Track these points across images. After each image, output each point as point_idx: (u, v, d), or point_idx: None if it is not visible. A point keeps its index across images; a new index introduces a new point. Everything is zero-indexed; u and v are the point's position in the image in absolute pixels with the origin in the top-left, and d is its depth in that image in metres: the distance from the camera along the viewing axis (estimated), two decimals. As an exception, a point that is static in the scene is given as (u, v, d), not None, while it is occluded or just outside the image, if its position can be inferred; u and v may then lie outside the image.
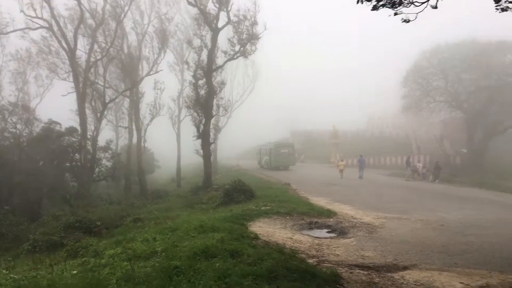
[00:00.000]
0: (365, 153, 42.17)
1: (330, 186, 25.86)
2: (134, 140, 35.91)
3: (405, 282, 7.22)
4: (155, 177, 46.88)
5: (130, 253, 8.46)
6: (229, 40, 28.74)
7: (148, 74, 36.33)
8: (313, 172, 38.88)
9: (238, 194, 19.04)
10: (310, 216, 14.26)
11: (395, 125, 58.26)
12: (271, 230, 11.65)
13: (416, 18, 7.85)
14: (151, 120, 36.48)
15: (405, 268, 8.17)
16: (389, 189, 25.27)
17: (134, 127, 35.79)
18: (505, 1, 6.55)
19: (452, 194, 22.95)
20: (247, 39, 28.10)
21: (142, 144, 35.27)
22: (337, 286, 6.84)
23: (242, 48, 28.46)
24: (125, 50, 36.34)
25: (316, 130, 60.44)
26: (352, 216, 14.40)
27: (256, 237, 10.15)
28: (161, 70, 36.53)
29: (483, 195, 22.90)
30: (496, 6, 6.55)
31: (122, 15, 33.63)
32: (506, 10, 6.58)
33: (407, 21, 7.86)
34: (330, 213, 14.82)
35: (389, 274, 7.72)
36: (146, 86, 37.55)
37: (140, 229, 14.51)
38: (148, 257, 8.01)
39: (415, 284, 7.13)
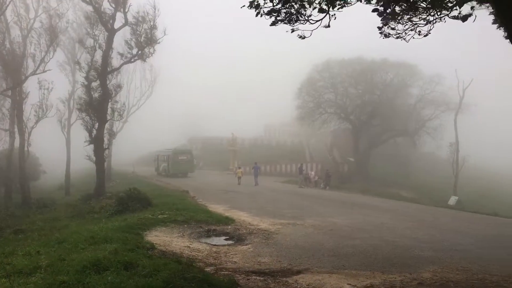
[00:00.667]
0: (262, 161, 43.43)
1: (228, 193, 26.10)
2: (17, 144, 32.62)
3: (298, 286, 7.52)
4: (41, 184, 43.03)
5: (8, 268, 7.61)
6: (126, 42, 27.62)
7: (33, 73, 33.24)
8: (212, 179, 38.92)
9: (134, 203, 18.28)
10: (208, 223, 14.20)
11: (290, 134, 60.92)
12: (168, 239, 11.36)
13: (311, 35, 8.30)
14: (36, 123, 33.42)
15: (298, 272, 8.50)
16: (284, 195, 26.29)
17: (16, 129, 32.51)
18: (387, 28, 7.16)
19: (341, 200, 24.62)
20: (145, 43, 27.24)
21: (26, 148, 32.12)
22: (234, 294, 6.88)
23: (140, 51, 27.49)
24: (7, 46, 32.91)
25: (215, 137, 60.69)
26: (249, 223, 14.65)
27: (152, 247, 9.82)
28: (50, 70, 33.69)
29: (368, 201, 24.92)
30: (380, 32, 7.14)
31: (4, 7, 30.44)
32: (388, 37, 7.18)
33: (302, 37, 8.29)
34: (228, 221, 14.91)
35: (284, 279, 7.98)
36: (32, 86, 34.40)
37: (22, 242, 13.18)
38: (30, 273, 7.27)
39: (307, 287, 7.45)
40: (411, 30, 7.04)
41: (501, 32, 6.27)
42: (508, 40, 4.48)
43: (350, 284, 7.68)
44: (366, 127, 47.40)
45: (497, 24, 6.09)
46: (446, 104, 44.56)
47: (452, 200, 34.00)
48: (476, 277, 8.28)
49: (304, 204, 21.91)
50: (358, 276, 8.25)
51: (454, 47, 65.74)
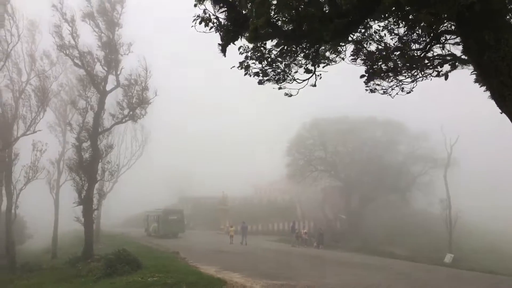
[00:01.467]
0: (253, 220, 42.91)
1: (219, 254, 25.49)
2: (3, 206, 31.93)
3: None
4: (28, 247, 41.70)
5: None
6: (118, 103, 28.08)
7: (24, 134, 33.27)
8: (202, 239, 38.11)
9: (122, 265, 17.70)
10: (199, 286, 13.74)
11: (281, 192, 60.70)
12: (158, 304, 10.93)
13: (297, 93, 8.57)
14: (25, 184, 32.99)
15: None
16: (276, 255, 25.73)
17: (4, 192, 31.96)
18: (373, 84, 7.43)
19: (334, 260, 24.13)
20: (137, 104, 27.73)
21: (13, 211, 31.43)
22: None
23: (131, 112, 27.92)
24: (-1, 109, 33.16)
25: (205, 196, 60.19)
26: (242, 285, 14.21)
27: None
28: (40, 130, 33.82)
29: (361, 260, 24.45)
30: (366, 87, 7.41)
31: (-4, 72, 31.02)
32: (374, 92, 7.44)
33: (289, 95, 8.55)
34: (220, 282, 14.46)
35: None
36: (23, 147, 34.33)
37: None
38: None
39: None
40: (396, 86, 7.29)
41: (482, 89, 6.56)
42: (492, 98, 4.68)
43: None
44: (357, 184, 47.56)
45: (478, 83, 6.36)
46: (434, 160, 45.20)
47: (448, 257, 33.50)
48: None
49: (298, 264, 21.42)
50: None
51: (439, 104, 67.76)
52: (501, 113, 4.53)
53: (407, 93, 7.35)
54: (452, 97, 63.90)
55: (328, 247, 34.17)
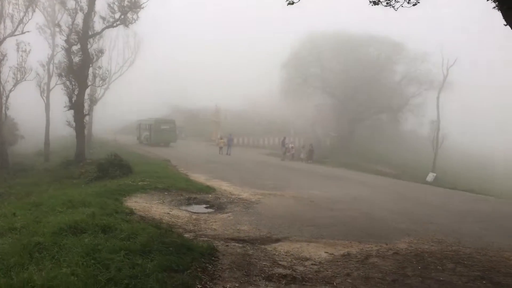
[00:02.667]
0: (246, 133, 43.39)
1: (210, 163, 26.06)
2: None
3: (276, 253, 7.57)
4: (19, 149, 42.20)
5: (-18, 229, 7.46)
6: (109, 5, 26.74)
7: (12, 34, 32.07)
8: (194, 149, 38.79)
9: (114, 169, 18.08)
10: (189, 192, 14.18)
11: (274, 108, 60.69)
12: (147, 205, 11.31)
13: (299, 0, 8.10)
14: (14, 86, 32.52)
15: (277, 240, 8.57)
16: (266, 167, 26.41)
17: (-7, 92, 31.55)
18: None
19: (323, 174, 24.85)
20: (128, 7, 26.45)
21: (3, 111, 31.28)
22: (213, 258, 6.90)
23: (123, 16, 26.72)
24: (-17, 6, 31.53)
25: (199, 108, 60.10)
26: (230, 193, 14.68)
27: (131, 212, 9.76)
28: (28, 31, 32.57)
29: (348, 175, 25.18)
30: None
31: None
32: (377, 4, 7.03)
33: (291, 3, 8.08)
34: (209, 189, 14.91)
35: (263, 246, 8.03)
36: (10, 48, 33.25)
37: (-1, 205, 12.97)
38: (4, 234, 7.15)
39: (285, 255, 7.52)
40: (401, -2, 6.90)
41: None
42: (500, 11, 4.41)
43: (327, 252, 7.79)
44: (351, 102, 47.45)
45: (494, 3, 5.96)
46: (430, 82, 44.86)
47: (430, 176, 34.67)
48: (450, 248, 8.46)
49: (286, 176, 22.04)
50: (336, 245, 8.36)
51: (440, 26, 65.63)
52: (505, 25, 4.30)
53: (413, 5, 6.92)
54: (453, 21, 61.87)
55: (318, 162, 35.02)
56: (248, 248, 7.83)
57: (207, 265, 6.53)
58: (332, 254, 7.71)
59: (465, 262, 7.33)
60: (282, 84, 49.39)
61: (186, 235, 8.31)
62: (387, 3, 7.13)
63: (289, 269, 6.70)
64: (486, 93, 57.46)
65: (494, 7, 4.57)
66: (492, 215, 13.83)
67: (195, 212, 11.33)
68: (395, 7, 7.00)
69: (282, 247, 7.99)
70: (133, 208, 10.36)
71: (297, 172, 24.52)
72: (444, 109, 41.65)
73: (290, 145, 38.43)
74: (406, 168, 39.39)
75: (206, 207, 12.35)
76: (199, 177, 18.57)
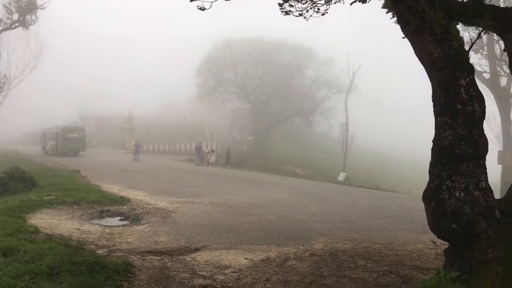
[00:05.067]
0: (162, 139, 42.35)
1: (124, 173, 25.00)
2: None
3: (196, 263, 7.43)
4: None
5: None
6: (5, 6, 24.66)
7: None
8: (106, 158, 36.95)
9: (16, 183, 16.52)
10: (102, 204, 13.44)
11: (190, 113, 60.12)
12: (55, 222, 10.50)
13: (211, 7, 8.06)
14: None
15: (197, 249, 8.42)
16: (182, 174, 25.97)
17: None
18: (288, 5, 7.18)
19: (240, 178, 25.01)
20: (26, 8, 24.57)
21: None
22: (128, 275, 6.58)
23: (21, 18, 24.80)
24: None
25: (111, 114, 57.50)
26: (146, 202, 14.19)
27: (36, 230, 9.00)
28: None
29: (266, 179, 25.65)
30: (280, 9, 7.14)
31: None
32: (288, 14, 7.21)
33: (202, 9, 8.01)
34: (123, 200, 14.27)
35: (182, 257, 7.84)
36: None
37: None
38: None
39: (205, 264, 7.41)
40: (311, 8, 7.14)
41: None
42: (399, 24, 4.73)
43: (247, 258, 7.80)
44: (265, 107, 48.57)
45: (386, 9, 6.40)
46: (338, 86, 47.41)
47: (341, 176, 36.58)
48: (361, 245, 8.93)
49: (203, 182, 21.85)
50: (255, 250, 8.42)
51: (348, 33, 69.82)
52: (403, 38, 4.65)
53: (322, 14, 7.21)
54: (359, 28, 66.13)
55: (235, 166, 35.25)
56: (166, 260, 7.59)
57: (123, 282, 6.20)
58: (252, 260, 7.75)
59: (375, 258, 7.78)
60: (198, 89, 49.08)
61: (99, 252, 7.83)
62: (299, 14, 7.34)
63: (209, 279, 6.60)
64: (388, 96, 62.22)
65: (395, 22, 4.92)
66: (397, 211, 14.86)
67: (108, 226, 10.76)
68: (306, 18, 7.23)
69: (201, 257, 7.86)
70: (39, 226, 9.57)
71: (215, 178, 24.44)
72: (351, 111, 44.31)
73: (206, 150, 38.26)
74: (319, 169, 41.22)
75: (120, 220, 11.80)
76: (112, 188, 17.71)
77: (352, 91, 44.27)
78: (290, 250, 8.41)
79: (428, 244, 8.60)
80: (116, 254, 7.88)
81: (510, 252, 4.36)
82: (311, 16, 6.89)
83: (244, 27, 54.03)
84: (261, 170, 32.60)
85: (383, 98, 61.33)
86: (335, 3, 7.05)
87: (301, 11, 7.00)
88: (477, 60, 28.82)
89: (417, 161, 47.12)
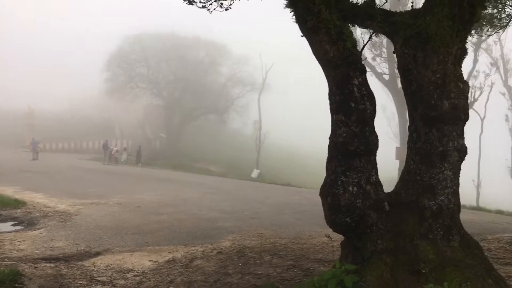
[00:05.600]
0: (67, 137, 39.69)
1: (22, 173, 23.01)
2: None
3: (95, 269, 6.99)
4: None
5: None
6: None
7: None
8: (2, 157, 33.77)
9: None
10: (-9, 209, 12.19)
11: (99, 108, 57.08)
12: None
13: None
14: None
15: (97, 254, 7.94)
16: (88, 174, 24.59)
17: None
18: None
19: (151, 177, 24.31)
20: None
21: None
22: (16, 285, 5.98)
23: None
24: None
25: (8, 109, 52.61)
26: (44, 205, 13.14)
27: None
28: None
29: (178, 177, 25.21)
30: (183, -1, 6.92)
31: None
32: (192, 4, 7.02)
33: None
34: (18, 203, 13.06)
35: (80, 262, 7.33)
36: None
37: None
38: None
39: (105, 269, 6.99)
40: (215, 1, 7.01)
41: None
42: (297, 24, 4.79)
43: (152, 260, 7.52)
44: (179, 103, 47.76)
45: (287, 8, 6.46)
46: (252, 84, 48.10)
47: (255, 173, 37.14)
48: (269, 241, 9.06)
49: (111, 182, 20.87)
50: (161, 251, 8.15)
51: (260, 30, 71.14)
52: (302, 36, 4.73)
53: (226, 9, 7.10)
54: (271, 26, 67.53)
55: (146, 164, 34.20)
56: (62, 267, 7.04)
57: (8, 295, 5.62)
58: (157, 261, 7.47)
59: (281, 253, 7.93)
60: (107, 84, 46.77)
61: (-16, 262, 7.05)
62: (202, 6, 7.18)
63: (108, 285, 6.23)
64: (299, 94, 64.41)
65: (294, 21, 4.98)
66: (305, 206, 15.38)
67: (-2, 232, 9.77)
68: (210, 10, 7.09)
69: (102, 261, 7.41)
70: None
71: (123, 177, 23.49)
72: (265, 109, 45.19)
73: (114, 148, 36.68)
74: (234, 166, 41.47)
75: (13, 225, 10.77)
76: (6, 190, 16.13)
77: (265, 89, 45.13)
78: (197, 250, 8.27)
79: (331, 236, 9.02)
80: (5, 263, 7.15)
81: (398, 243, 4.63)
82: (214, 9, 6.77)
83: (157, 21, 52.60)
84: (174, 168, 32.02)
85: (294, 96, 63.41)
86: (239, -1, 7.01)
87: (204, 3, 6.85)
88: (377, 62, 30.97)
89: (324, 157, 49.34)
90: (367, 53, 32.02)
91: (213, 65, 49.69)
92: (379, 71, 31.33)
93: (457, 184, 4.80)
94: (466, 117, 4.74)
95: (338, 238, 6.00)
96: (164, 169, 31.31)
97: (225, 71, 50.73)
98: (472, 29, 5.00)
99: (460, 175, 4.91)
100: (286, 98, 62.48)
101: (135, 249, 8.40)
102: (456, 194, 4.77)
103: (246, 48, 50.61)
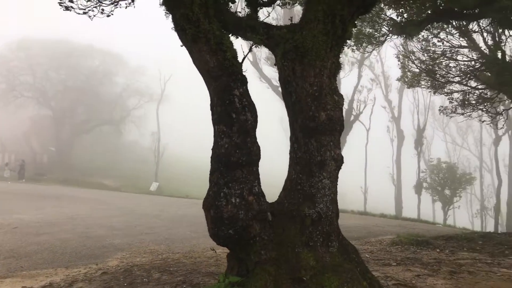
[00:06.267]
0: None
1: None
2: None
3: (-47, 303, 6.08)
4: None
5: None
6: None
7: None
8: None
9: None
10: None
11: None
12: None
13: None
14: None
15: (-42, 285, 6.93)
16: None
17: None
18: (68, 0, 6.53)
19: (35, 194, 22.26)
20: None
21: None
22: None
23: None
24: None
25: None
26: None
27: None
28: None
29: (68, 192, 23.46)
30: (60, 3, 6.46)
31: None
32: (69, 10, 6.57)
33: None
34: None
35: None
36: None
37: None
38: None
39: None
40: (95, 7, 6.64)
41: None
42: (176, 32, 4.66)
43: (25, 287, 6.76)
44: (70, 114, 44.75)
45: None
46: (150, 95, 46.91)
47: (153, 186, 36.05)
48: (160, 257, 8.72)
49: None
50: (38, 276, 7.38)
51: (158, 43, 69.76)
52: (182, 46, 4.63)
53: (107, 16, 6.76)
54: (170, 37, 66.73)
55: (31, 180, 31.30)
56: None
57: None
58: (32, 287, 6.74)
59: (171, 269, 7.64)
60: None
61: None
62: (83, 12, 6.75)
63: (-33, 321, 5.44)
64: (200, 105, 64.25)
65: (173, 29, 4.85)
66: (201, 218, 15.10)
67: None
68: (91, 17, 6.70)
69: (-40, 294, 6.49)
70: None
71: (3, 195, 21.16)
72: (163, 120, 44.24)
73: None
74: (131, 180, 39.81)
75: None
76: None
77: (164, 100, 44.27)
78: (80, 271, 7.63)
79: (225, 249, 8.97)
80: None
81: (281, 252, 4.69)
82: (95, 15, 6.40)
83: (46, 26, 48.97)
84: (63, 183, 29.77)
85: (195, 107, 63.14)
86: (126, 7, 6.71)
87: (83, 8, 6.44)
88: (274, 74, 32.06)
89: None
90: (264, 67, 33.16)
91: (109, 75, 47.58)
92: (275, 83, 32.45)
93: (335, 192, 5.01)
94: (341, 128, 4.98)
95: (223, 251, 5.95)
96: (52, 184, 28.91)
97: (122, 81, 48.87)
98: (344, 45, 5.29)
99: (337, 183, 5.14)
100: (186, 110, 62.04)
101: (6, 275, 7.50)
102: (334, 201, 4.97)
103: (144, 58, 49.42)
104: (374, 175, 42.73)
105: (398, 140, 42.13)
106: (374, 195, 41.91)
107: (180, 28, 4.38)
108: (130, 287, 6.53)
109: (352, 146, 35.67)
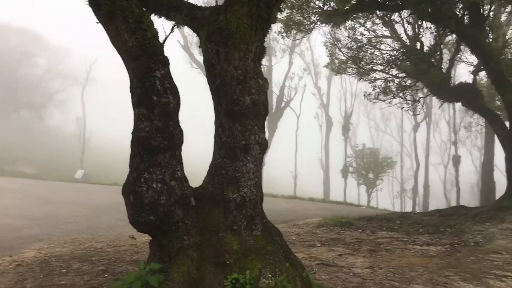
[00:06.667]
0: None
1: None
2: None
3: None
4: None
5: None
6: None
7: None
8: None
9: None
10: None
11: None
12: None
13: None
14: None
15: None
16: None
17: None
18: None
19: None
20: None
21: None
22: None
23: None
24: None
25: None
26: None
27: None
28: None
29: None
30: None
31: None
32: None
33: None
34: None
35: None
36: None
37: None
38: None
39: None
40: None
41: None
42: (91, 8, 4.37)
43: None
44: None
45: None
46: (75, 77, 44.42)
47: (79, 173, 34.37)
48: (82, 247, 8.34)
49: None
50: None
51: (83, 22, 66.01)
52: (97, 23, 4.36)
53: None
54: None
55: None
56: None
57: None
58: None
59: (93, 258, 7.34)
60: None
61: None
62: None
63: None
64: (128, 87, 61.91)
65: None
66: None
67: None
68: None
69: None
70: None
71: None
72: (89, 105, 42.16)
73: None
74: (53, 167, 37.65)
75: None
76: None
77: (90, 83, 42.12)
78: (-15, 266, 7.09)
79: (148, 236, 8.76)
80: None
81: (204, 237, 4.65)
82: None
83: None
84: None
85: (124, 90, 60.84)
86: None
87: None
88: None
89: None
90: (195, 51, 32.56)
91: (28, 55, 44.29)
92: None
93: (259, 176, 5.03)
94: (266, 112, 5.00)
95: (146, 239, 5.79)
96: (-39, 173, 26.57)
97: (43, 62, 45.77)
98: (269, 29, 5.29)
99: (262, 167, 5.17)
100: (116, 93, 59.48)
101: None
102: (258, 185, 5.00)
103: (69, 39, 46.60)
104: (304, 160, 43.97)
105: (326, 126, 43.63)
106: (303, 179, 43.19)
107: (95, 3, 4.12)
108: (46, 279, 6.17)
109: (283, 132, 36.37)
